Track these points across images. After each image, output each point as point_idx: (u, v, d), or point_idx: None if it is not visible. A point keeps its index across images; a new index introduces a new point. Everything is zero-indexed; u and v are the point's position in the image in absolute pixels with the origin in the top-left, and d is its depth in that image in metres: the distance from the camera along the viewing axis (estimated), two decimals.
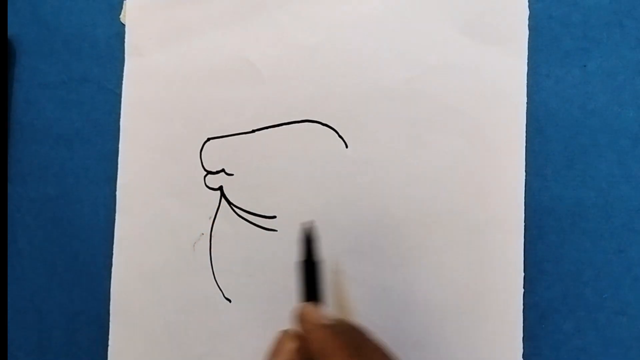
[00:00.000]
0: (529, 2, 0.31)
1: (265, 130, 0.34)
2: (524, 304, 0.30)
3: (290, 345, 0.27)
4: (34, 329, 0.39)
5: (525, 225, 0.30)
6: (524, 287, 0.30)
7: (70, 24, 0.39)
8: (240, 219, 0.35)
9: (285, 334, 0.27)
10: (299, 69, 0.34)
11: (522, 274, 0.30)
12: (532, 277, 0.30)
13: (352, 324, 0.28)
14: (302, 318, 0.27)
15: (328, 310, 0.29)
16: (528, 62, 0.31)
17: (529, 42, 0.31)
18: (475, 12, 0.31)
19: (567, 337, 0.30)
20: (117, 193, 0.37)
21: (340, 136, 0.33)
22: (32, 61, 0.40)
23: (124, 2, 0.37)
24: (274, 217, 0.34)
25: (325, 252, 0.30)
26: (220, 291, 0.35)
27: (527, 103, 0.30)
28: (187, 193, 0.36)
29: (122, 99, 0.37)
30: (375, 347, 0.26)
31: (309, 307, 0.28)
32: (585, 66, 0.30)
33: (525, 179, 0.30)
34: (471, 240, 0.31)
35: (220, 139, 0.35)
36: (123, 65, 0.37)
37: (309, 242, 0.29)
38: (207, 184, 0.35)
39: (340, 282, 0.32)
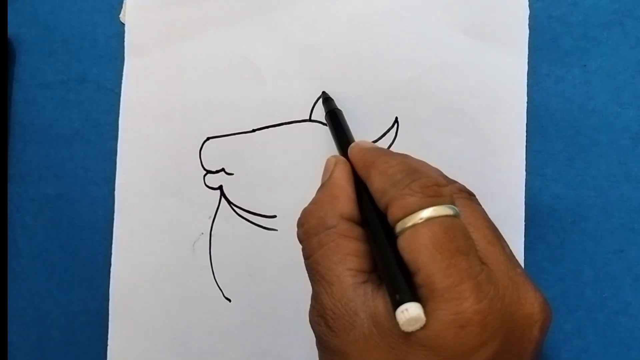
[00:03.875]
0: (529, 1, 0.31)
1: (265, 130, 0.34)
2: None
3: (333, 160, 0.26)
4: (34, 328, 0.39)
5: (525, 225, 0.30)
6: None
7: (70, 24, 0.39)
8: (240, 218, 0.34)
9: (330, 157, 0.27)
10: (299, 69, 0.34)
11: None
12: (532, 277, 0.30)
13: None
14: (353, 146, 0.27)
15: None
16: (528, 62, 0.31)
17: (529, 42, 0.31)
18: (476, 11, 0.31)
19: (567, 337, 0.30)
20: (116, 193, 0.37)
21: None
22: (32, 61, 0.40)
23: (124, 2, 0.37)
24: (274, 216, 0.34)
25: None
26: (220, 291, 0.35)
27: (527, 102, 0.30)
28: (187, 192, 0.36)
29: (122, 99, 0.37)
30: (414, 158, 0.26)
31: (361, 140, 0.28)
32: (585, 66, 0.30)
33: (525, 179, 0.30)
34: None
35: (220, 138, 0.35)
36: (123, 65, 0.37)
37: (327, 100, 0.32)
38: (207, 183, 0.35)
39: None
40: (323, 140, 0.33)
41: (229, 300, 0.35)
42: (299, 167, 0.33)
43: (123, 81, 0.37)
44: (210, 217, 0.35)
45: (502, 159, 0.31)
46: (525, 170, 0.30)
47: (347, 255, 0.23)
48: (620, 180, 0.30)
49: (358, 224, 0.24)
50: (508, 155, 0.31)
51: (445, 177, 0.24)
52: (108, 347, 0.37)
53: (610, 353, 0.30)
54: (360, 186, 0.25)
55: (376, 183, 0.23)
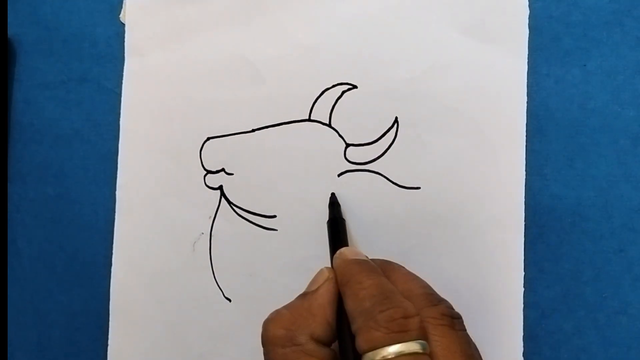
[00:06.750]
0: (529, 1, 0.31)
1: (265, 129, 0.34)
2: (524, 304, 0.30)
3: (326, 275, 0.26)
4: (34, 328, 0.39)
5: (525, 225, 0.30)
6: (524, 287, 0.30)
7: (70, 24, 0.39)
8: (240, 218, 0.34)
9: (323, 268, 0.27)
10: (299, 69, 0.34)
11: (522, 274, 0.30)
12: (532, 277, 0.30)
13: (385, 260, 0.28)
14: (336, 257, 0.27)
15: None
16: (528, 62, 0.31)
17: (529, 42, 0.31)
18: (475, 11, 0.31)
19: (567, 337, 0.30)
20: (117, 193, 0.37)
21: (340, 136, 0.33)
22: (32, 61, 0.40)
23: (124, 1, 0.37)
24: (274, 216, 0.34)
25: (326, 252, 0.30)
26: (220, 291, 0.35)
27: (527, 103, 0.30)
28: (187, 193, 0.36)
29: (122, 99, 0.37)
30: (403, 272, 0.26)
31: (346, 249, 0.28)
32: (585, 66, 0.30)
33: (525, 179, 0.30)
34: (471, 240, 0.31)
35: (220, 138, 0.35)
36: (123, 65, 0.37)
37: (334, 205, 0.32)
38: (207, 183, 0.35)
39: None
40: (322, 140, 0.33)
41: (229, 300, 0.35)
42: (299, 167, 0.34)
43: (123, 81, 0.37)
44: (210, 217, 0.35)
45: (501, 159, 0.31)
46: (525, 170, 0.30)
47: None
48: (620, 180, 0.30)
49: (328, 345, 0.25)
50: (508, 155, 0.31)
51: (431, 296, 0.25)
52: (108, 347, 0.37)
53: (610, 353, 0.30)
54: (341, 304, 0.25)
55: (348, 305, 0.24)
